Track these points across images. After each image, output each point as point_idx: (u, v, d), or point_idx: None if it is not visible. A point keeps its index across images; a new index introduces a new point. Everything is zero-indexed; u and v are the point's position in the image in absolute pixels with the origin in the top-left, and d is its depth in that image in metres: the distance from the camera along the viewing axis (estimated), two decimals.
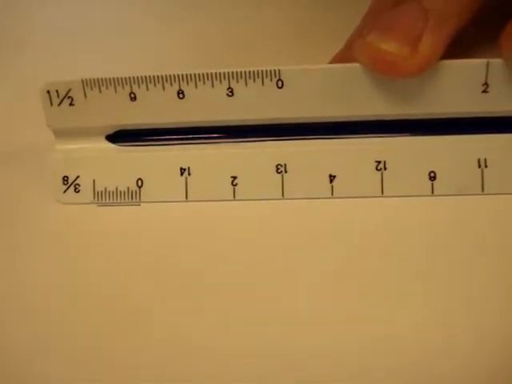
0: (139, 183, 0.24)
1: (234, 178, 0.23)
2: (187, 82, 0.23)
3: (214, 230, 0.23)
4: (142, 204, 0.24)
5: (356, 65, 0.22)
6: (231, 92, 0.22)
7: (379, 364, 0.20)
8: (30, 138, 0.26)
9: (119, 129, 0.24)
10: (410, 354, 0.20)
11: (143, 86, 0.23)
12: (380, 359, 0.20)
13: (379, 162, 0.23)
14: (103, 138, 0.24)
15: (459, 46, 0.21)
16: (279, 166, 0.23)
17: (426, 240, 0.22)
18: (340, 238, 0.22)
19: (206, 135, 0.24)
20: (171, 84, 0.23)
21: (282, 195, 0.23)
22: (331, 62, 0.24)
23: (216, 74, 0.22)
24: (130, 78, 0.23)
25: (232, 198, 0.23)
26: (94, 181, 0.24)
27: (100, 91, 0.23)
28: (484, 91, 0.22)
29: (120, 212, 0.24)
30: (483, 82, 0.21)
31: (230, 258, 0.22)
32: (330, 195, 0.23)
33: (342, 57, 0.23)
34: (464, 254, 0.21)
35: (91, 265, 0.23)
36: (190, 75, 0.22)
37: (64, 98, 0.23)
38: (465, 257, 0.21)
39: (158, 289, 0.22)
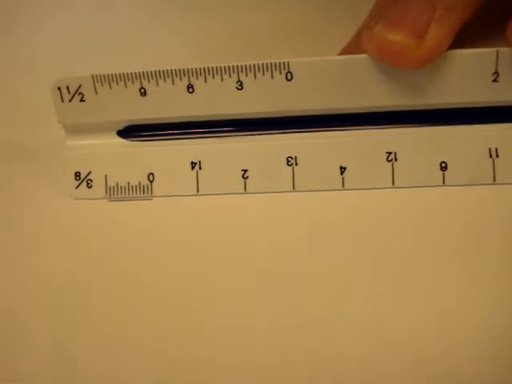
0: (151, 178, 0.24)
1: (245, 171, 0.23)
2: (196, 77, 0.23)
3: (224, 223, 0.23)
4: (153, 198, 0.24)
5: (365, 56, 0.21)
6: (240, 85, 0.22)
7: (374, 359, 0.20)
8: (43, 133, 0.27)
9: (130, 124, 0.24)
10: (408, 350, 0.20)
11: (153, 81, 0.23)
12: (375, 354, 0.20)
13: (390, 153, 0.23)
14: (114, 133, 0.24)
15: (465, 39, 0.21)
16: (290, 159, 0.23)
17: (434, 231, 0.22)
18: (350, 230, 0.22)
19: (216, 129, 0.24)
20: (181, 78, 0.23)
21: (293, 188, 0.23)
22: (340, 55, 0.24)
23: (225, 67, 0.22)
24: (139, 73, 0.23)
25: (243, 191, 0.23)
26: (105, 176, 0.24)
27: (110, 87, 0.23)
28: (494, 80, 0.21)
29: (131, 206, 0.24)
30: (493, 71, 0.21)
31: (241, 251, 0.22)
32: (340, 187, 0.23)
33: (351, 49, 0.23)
34: (473, 245, 0.21)
35: (102, 261, 0.23)
36: (200, 69, 0.23)
37: (75, 94, 0.23)
38: (474, 248, 0.21)
39: (169, 284, 0.22)
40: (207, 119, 0.24)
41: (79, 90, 0.23)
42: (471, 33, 0.22)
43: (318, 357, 0.20)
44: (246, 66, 0.22)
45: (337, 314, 0.21)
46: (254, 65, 0.22)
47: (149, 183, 0.24)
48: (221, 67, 0.22)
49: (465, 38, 0.21)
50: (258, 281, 0.22)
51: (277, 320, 0.21)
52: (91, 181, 0.24)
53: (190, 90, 0.23)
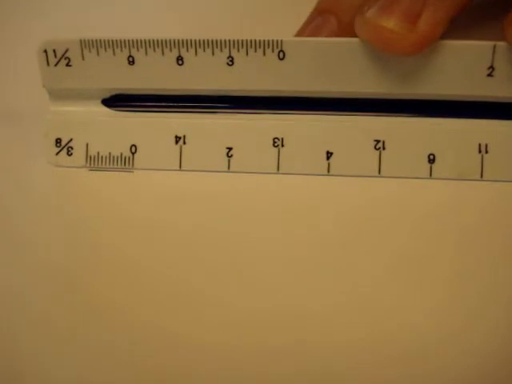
0: (133, 149, 0.23)
1: (230, 149, 0.23)
2: (187, 49, 0.22)
3: (206, 198, 0.23)
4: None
5: (358, 40, 0.21)
6: (231, 61, 0.22)
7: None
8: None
9: (116, 93, 0.23)
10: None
11: (142, 50, 0.22)
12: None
13: (378, 141, 0.22)
14: (99, 101, 0.24)
15: (460, 32, 0.21)
16: (276, 140, 0.23)
17: (419, 223, 0.22)
18: (335, 217, 0.22)
19: (204, 104, 0.23)
20: (171, 49, 0.22)
21: (278, 170, 0.23)
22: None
23: (217, 41, 0.22)
24: (129, 40, 0.22)
25: (226, 170, 0.23)
26: (87, 144, 0.24)
27: (98, 53, 0.23)
28: (489, 75, 0.21)
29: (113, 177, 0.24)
30: (489, 65, 0.21)
31: (223, 229, 0.22)
32: (326, 172, 0.23)
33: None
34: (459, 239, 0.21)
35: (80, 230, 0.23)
36: (191, 41, 0.22)
37: (61, 58, 0.23)
38: (462, 242, 0.21)
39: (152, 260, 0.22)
40: (195, 93, 0.23)
41: (66, 55, 0.23)
42: (467, 25, 0.22)
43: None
44: (238, 41, 0.22)
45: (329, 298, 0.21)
46: (246, 41, 0.22)
47: (131, 155, 0.23)
48: (212, 40, 0.22)
49: (460, 30, 0.21)
50: (240, 260, 0.22)
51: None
52: (72, 148, 0.24)
53: (180, 62, 0.22)
